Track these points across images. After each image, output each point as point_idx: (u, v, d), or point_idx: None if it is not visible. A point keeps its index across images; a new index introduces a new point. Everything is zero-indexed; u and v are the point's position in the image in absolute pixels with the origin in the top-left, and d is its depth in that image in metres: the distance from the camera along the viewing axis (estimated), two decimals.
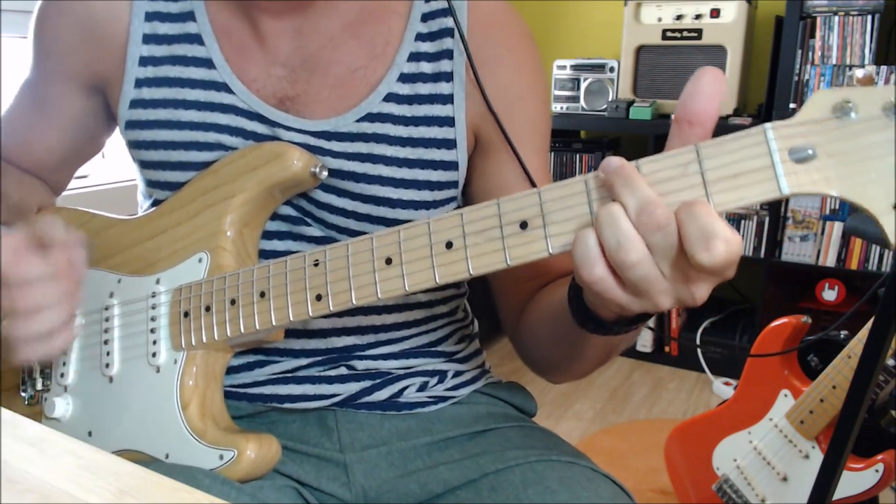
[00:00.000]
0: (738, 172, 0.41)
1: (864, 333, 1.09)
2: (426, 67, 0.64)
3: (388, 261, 0.51)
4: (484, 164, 0.67)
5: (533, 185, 0.64)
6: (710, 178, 0.41)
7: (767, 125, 0.41)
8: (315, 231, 0.65)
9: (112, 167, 1.79)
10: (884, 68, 1.98)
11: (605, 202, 0.43)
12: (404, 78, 0.64)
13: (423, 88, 0.64)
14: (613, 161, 0.43)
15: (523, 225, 0.46)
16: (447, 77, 0.64)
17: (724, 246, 0.39)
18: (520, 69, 0.66)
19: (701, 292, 0.43)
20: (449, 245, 0.48)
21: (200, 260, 0.61)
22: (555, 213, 0.45)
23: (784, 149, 0.40)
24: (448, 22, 0.65)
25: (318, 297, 0.53)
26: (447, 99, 0.64)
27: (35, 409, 0.66)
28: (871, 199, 0.39)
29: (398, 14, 0.66)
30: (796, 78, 2.10)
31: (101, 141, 0.76)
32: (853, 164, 0.39)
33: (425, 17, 0.65)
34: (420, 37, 0.65)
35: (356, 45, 0.65)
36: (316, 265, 0.54)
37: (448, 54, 0.64)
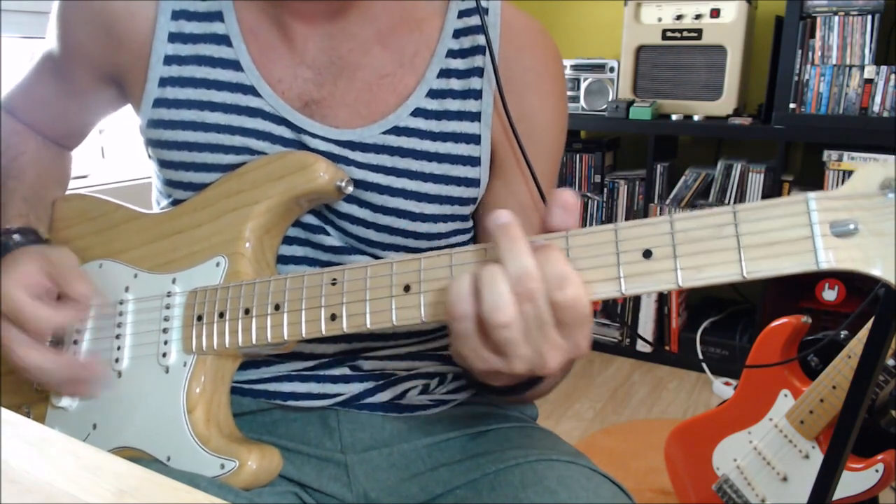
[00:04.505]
0: (775, 241, 0.39)
1: (864, 333, 1.09)
2: (456, 84, 0.64)
3: (407, 288, 0.49)
4: (491, 183, 0.67)
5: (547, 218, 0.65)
6: (745, 243, 0.40)
7: (811, 195, 0.39)
8: (333, 240, 0.64)
9: (112, 167, 1.79)
10: (884, 68, 1.98)
11: (628, 254, 0.42)
12: (433, 94, 0.64)
13: (453, 105, 0.64)
14: (502, 216, 0.44)
15: None
16: (476, 95, 0.64)
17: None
18: (546, 97, 0.66)
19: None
20: None
21: (218, 264, 0.60)
22: (581, 259, 0.44)
23: (826, 221, 0.38)
24: (480, 39, 0.64)
25: (333, 317, 0.52)
26: (475, 116, 0.64)
27: (42, 395, 0.66)
28: None
29: (430, 26, 0.65)
30: (796, 78, 2.10)
31: (107, 116, 0.77)
32: None
33: (457, 34, 0.65)
34: (451, 53, 0.65)
35: (385, 52, 0.64)
36: (333, 284, 0.53)
37: (479, 72, 0.64)
